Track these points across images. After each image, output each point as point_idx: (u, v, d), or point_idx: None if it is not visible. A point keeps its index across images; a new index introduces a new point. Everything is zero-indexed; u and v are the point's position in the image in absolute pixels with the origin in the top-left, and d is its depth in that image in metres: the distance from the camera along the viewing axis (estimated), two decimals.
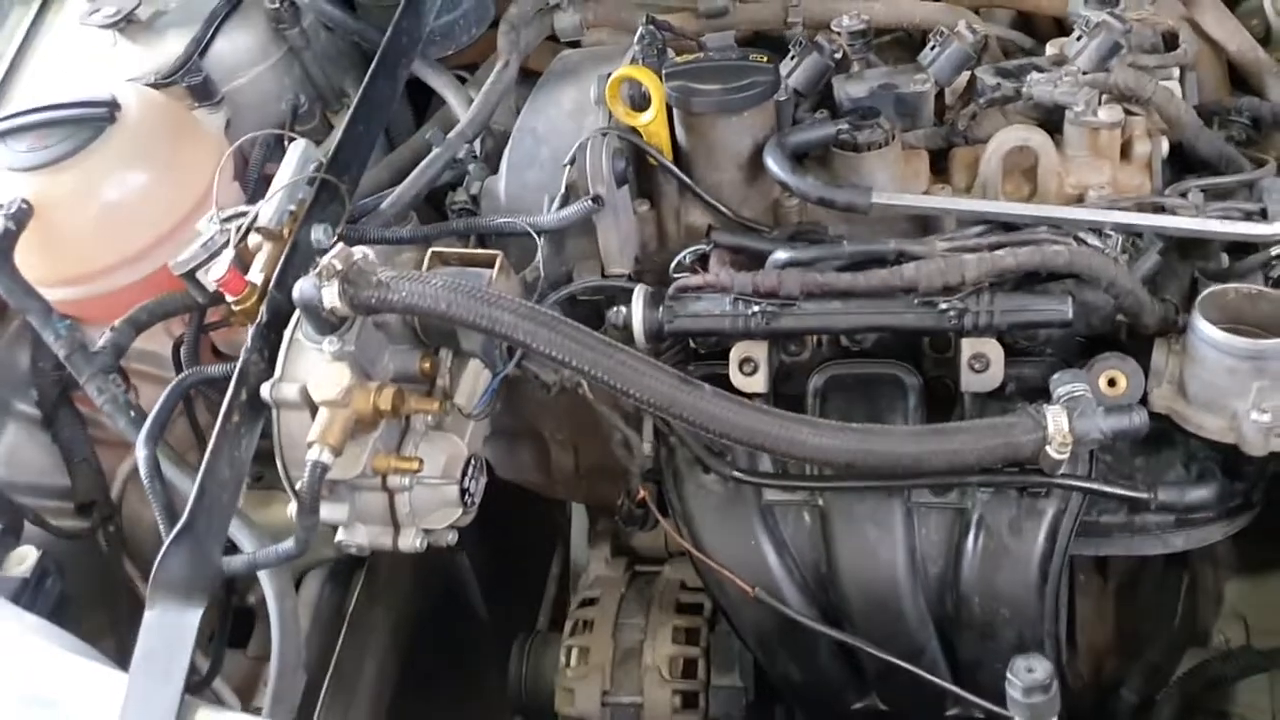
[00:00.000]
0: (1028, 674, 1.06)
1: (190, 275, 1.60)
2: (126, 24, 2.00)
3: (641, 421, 1.59)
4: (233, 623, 1.77)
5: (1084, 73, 1.55)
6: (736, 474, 1.49)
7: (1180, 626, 1.83)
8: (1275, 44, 1.83)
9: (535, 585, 2.39)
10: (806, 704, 1.69)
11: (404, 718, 2.02)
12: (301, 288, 1.36)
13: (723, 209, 1.60)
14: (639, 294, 1.49)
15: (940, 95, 1.69)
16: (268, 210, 1.58)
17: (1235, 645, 1.87)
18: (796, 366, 1.58)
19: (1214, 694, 1.77)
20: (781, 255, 1.48)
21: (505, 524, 2.21)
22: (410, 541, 1.49)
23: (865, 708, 1.62)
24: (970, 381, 1.45)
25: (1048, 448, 1.31)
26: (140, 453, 1.44)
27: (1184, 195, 1.49)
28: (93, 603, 1.76)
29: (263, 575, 1.45)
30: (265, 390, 1.41)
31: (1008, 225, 1.50)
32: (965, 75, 1.65)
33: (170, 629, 1.28)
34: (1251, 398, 1.33)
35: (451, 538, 1.55)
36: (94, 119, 1.71)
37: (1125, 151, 1.56)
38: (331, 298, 1.33)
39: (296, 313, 1.43)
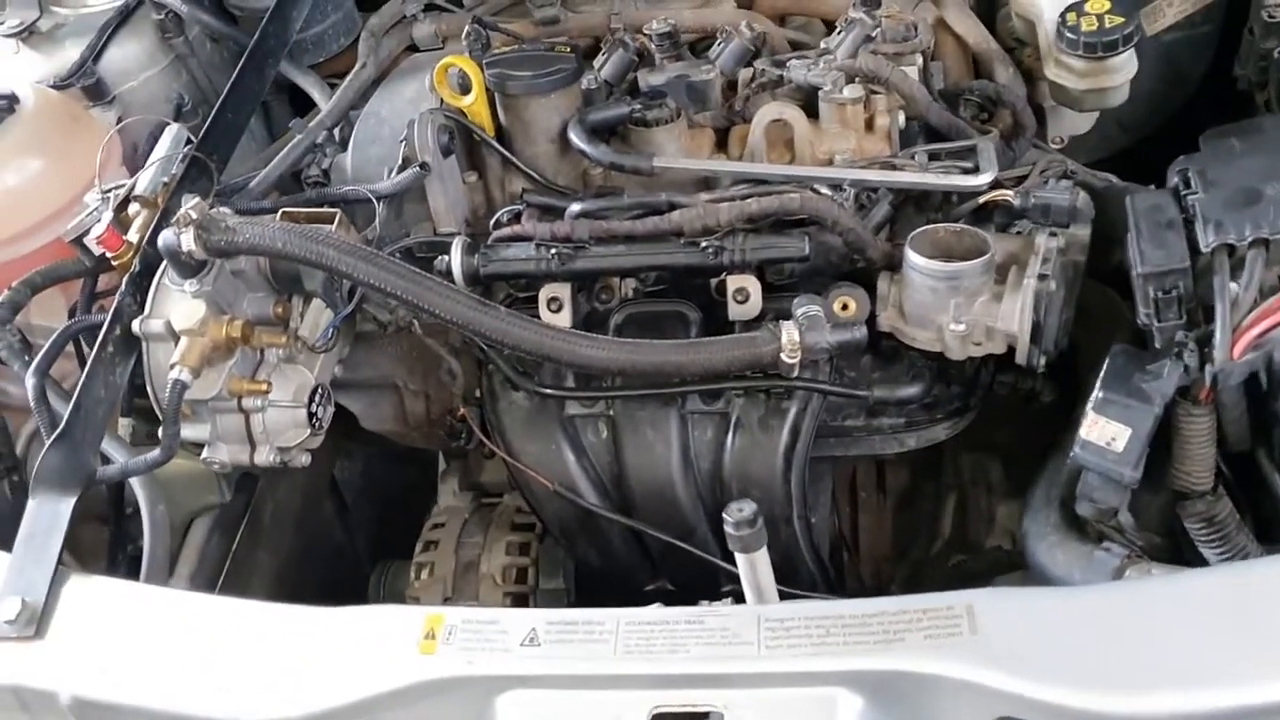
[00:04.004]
0: (738, 512, 1.32)
1: (79, 241, 1.86)
2: (29, 34, 2.28)
3: (462, 355, 1.86)
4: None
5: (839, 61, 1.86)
6: (540, 389, 1.76)
7: (950, 536, 2.11)
8: (1025, 41, 2.14)
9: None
10: (607, 587, 1.95)
11: None
12: (164, 236, 1.63)
13: (538, 177, 1.88)
14: (457, 243, 1.75)
15: (736, 85, 1.99)
16: (144, 180, 1.86)
17: None
18: (608, 312, 1.85)
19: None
20: (575, 208, 1.77)
21: (389, 477, 2.45)
22: (265, 457, 1.73)
23: (657, 589, 1.88)
24: (735, 312, 1.71)
25: (782, 355, 1.59)
26: (29, 382, 1.68)
27: (912, 158, 1.79)
28: None
29: (135, 483, 1.70)
30: (136, 325, 1.67)
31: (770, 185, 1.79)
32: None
33: (47, 515, 1.53)
34: (950, 312, 1.62)
35: (305, 459, 1.79)
36: None
37: (870, 124, 1.85)
38: (188, 242, 1.60)
39: (165, 262, 1.70)
